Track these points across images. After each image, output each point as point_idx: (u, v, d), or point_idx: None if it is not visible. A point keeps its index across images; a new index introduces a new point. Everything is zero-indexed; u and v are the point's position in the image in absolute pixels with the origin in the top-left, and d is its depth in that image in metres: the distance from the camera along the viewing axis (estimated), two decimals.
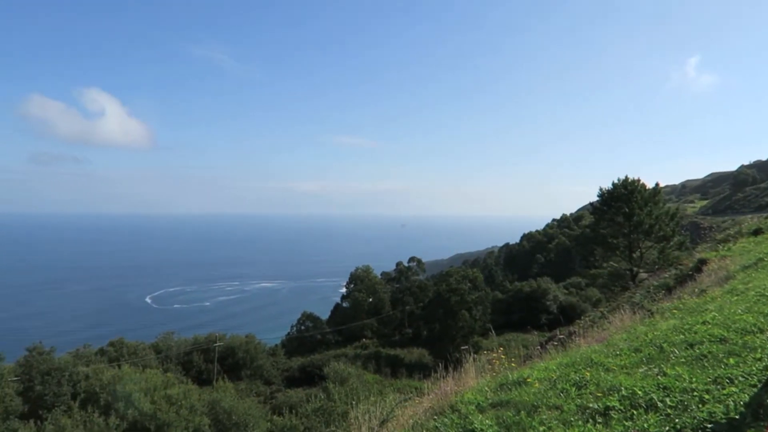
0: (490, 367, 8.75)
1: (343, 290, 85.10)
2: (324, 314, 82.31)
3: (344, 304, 79.81)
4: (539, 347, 17.14)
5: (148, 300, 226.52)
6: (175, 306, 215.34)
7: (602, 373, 6.74)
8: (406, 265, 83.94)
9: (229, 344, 51.36)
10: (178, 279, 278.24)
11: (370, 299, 77.24)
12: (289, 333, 78.84)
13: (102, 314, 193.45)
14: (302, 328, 76.32)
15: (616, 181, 48.24)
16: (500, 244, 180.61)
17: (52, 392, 28.26)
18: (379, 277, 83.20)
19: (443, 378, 8.17)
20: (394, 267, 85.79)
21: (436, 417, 6.56)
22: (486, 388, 7.20)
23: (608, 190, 48.34)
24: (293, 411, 26.31)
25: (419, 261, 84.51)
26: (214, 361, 45.97)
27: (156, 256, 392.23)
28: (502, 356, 9.02)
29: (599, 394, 6.00)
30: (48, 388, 28.33)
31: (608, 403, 5.65)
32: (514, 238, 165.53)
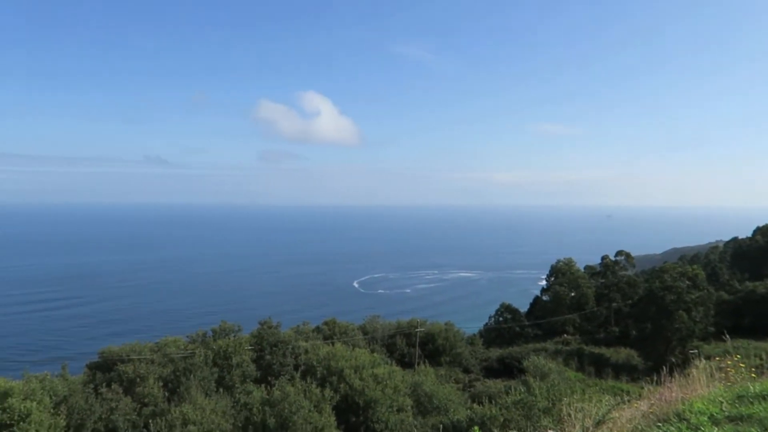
0: (723, 375, 7.75)
1: (543, 283, 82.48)
2: (523, 306, 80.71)
3: (544, 298, 77.36)
4: None
5: (355, 285, 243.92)
6: (380, 291, 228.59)
7: None
8: (612, 258, 78.43)
9: (429, 330, 53.00)
10: (382, 266, 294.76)
11: (573, 294, 73.73)
12: (487, 323, 78.85)
13: (316, 296, 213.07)
14: (500, 319, 75.75)
15: None
16: (726, 238, 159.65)
17: (278, 362, 31.97)
18: (583, 270, 78.95)
19: (665, 383, 7.45)
20: (599, 261, 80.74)
21: (659, 424, 6.01)
22: (720, 399, 6.39)
23: None
24: (492, 401, 26.24)
25: (628, 255, 78.34)
26: (416, 345, 47.84)
27: (363, 244, 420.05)
28: (741, 365, 7.91)
29: None
30: (275, 358, 32.11)
31: None
32: (745, 232, 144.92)
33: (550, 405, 22.89)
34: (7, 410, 20.70)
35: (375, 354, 36.41)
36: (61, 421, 22.06)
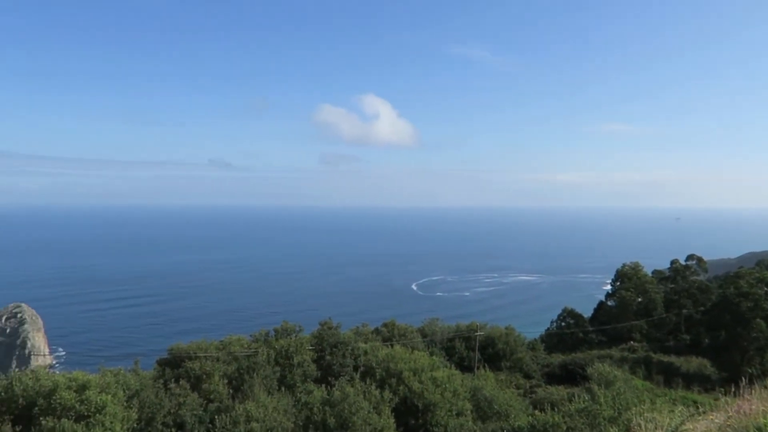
0: None
1: (608, 288, 79.90)
2: (586, 311, 78.49)
3: (609, 303, 74.87)
4: None
5: (413, 287, 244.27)
6: (438, 294, 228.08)
7: None
8: (683, 263, 75.00)
9: (489, 334, 52.26)
10: (440, 269, 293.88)
11: (639, 299, 71.01)
12: (548, 328, 77.11)
13: (375, 298, 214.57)
14: (562, 324, 73.89)
15: None
16: None
17: (338, 363, 32.30)
18: (650, 275, 75.90)
19: (743, 394, 7.05)
20: (667, 265, 77.42)
21: None
22: None
23: None
24: (554, 408, 25.61)
25: (699, 259, 74.70)
26: (475, 349, 47.27)
27: (422, 246, 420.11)
28: None
29: None
30: (335, 358, 32.46)
31: None
32: None
33: (616, 414, 22.13)
34: (85, 402, 21.84)
35: (434, 357, 36.21)
36: (134, 414, 23.06)
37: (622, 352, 61.85)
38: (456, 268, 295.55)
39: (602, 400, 23.71)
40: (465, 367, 45.63)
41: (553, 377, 53.67)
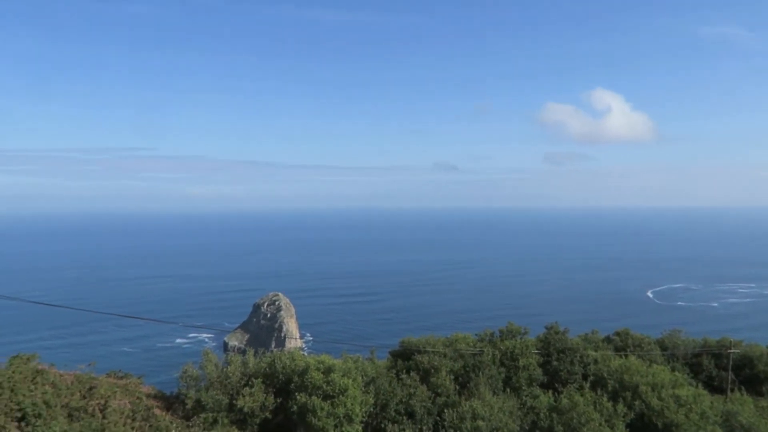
0: None
1: None
2: None
3: None
4: None
5: (649, 294, 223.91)
6: (679, 303, 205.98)
7: None
8: None
9: (745, 353, 45.40)
10: (682, 275, 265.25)
11: None
12: None
13: (605, 303, 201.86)
14: None
15: None
16: None
17: (565, 369, 31.09)
18: None
19: None
20: None
21: None
22: None
23: None
24: None
25: None
26: (728, 368, 41.45)
27: (659, 250, 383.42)
28: None
29: None
30: (562, 364, 31.30)
31: None
32: None
33: None
34: (330, 383, 24.49)
35: (676, 373, 32.71)
36: (370, 398, 25.14)
37: None
38: (702, 275, 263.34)
39: None
40: (714, 387, 40.46)
41: None
